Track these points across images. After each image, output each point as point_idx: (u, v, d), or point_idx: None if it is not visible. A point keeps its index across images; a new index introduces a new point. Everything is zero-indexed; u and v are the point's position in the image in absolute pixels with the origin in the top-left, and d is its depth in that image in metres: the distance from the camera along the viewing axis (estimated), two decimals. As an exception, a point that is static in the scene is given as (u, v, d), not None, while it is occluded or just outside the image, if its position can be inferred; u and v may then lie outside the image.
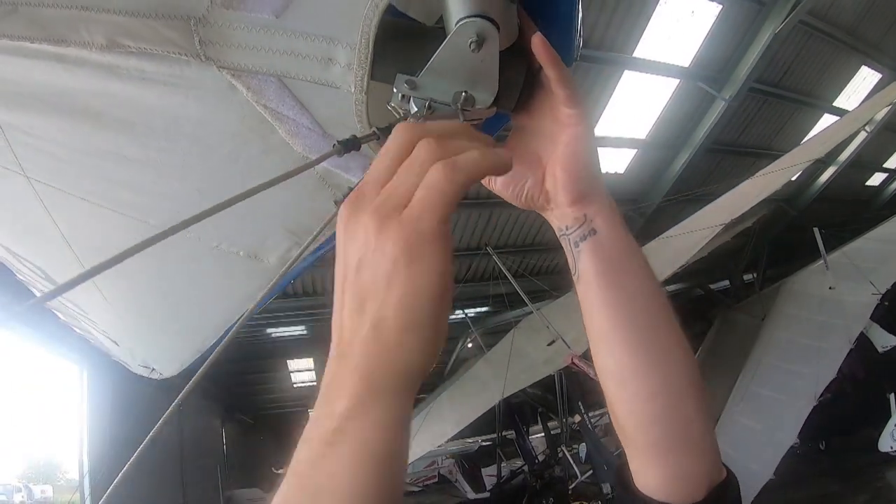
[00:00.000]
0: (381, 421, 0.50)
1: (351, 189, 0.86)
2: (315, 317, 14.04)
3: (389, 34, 0.80)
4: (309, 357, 19.31)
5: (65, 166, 1.32)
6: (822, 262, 9.06)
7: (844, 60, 11.67)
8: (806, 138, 12.94)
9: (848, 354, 7.70)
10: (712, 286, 15.83)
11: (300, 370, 20.89)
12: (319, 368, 20.17)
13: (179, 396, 1.28)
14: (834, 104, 12.73)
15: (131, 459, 1.26)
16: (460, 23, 0.73)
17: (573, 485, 9.08)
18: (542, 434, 12.10)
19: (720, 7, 9.11)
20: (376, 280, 0.53)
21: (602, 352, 0.78)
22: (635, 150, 11.60)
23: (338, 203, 0.85)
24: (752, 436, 7.16)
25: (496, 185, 0.86)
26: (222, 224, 1.38)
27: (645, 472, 0.78)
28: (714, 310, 14.79)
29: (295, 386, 22.12)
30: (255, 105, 0.94)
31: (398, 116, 0.79)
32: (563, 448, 9.99)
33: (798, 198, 14.43)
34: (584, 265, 0.78)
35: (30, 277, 2.10)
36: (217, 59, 0.86)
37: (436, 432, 9.68)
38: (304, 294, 12.71)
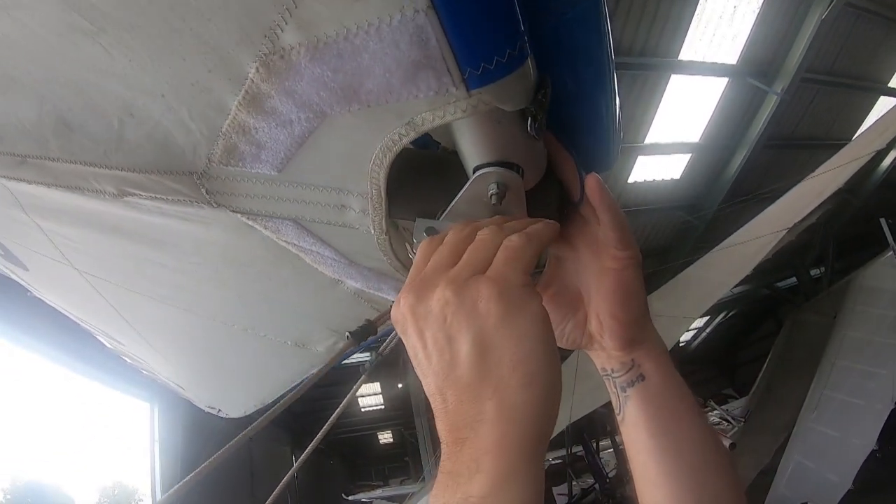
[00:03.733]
0: (522, 499, 0.48)
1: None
2: (379, 343, 14.11)
3: (405, 166, 0.72)
4: (375, 382, 19.49)
5: (106, 265, 1.38)
6: (891, 253, 8.65)
7: (896, 38, 11.19)
8: (864, 123, 12.46)
9: (925, 348, 7.31)
10: (779, 284, 15.35)
11: (367, 395, 21.13)
12: (386, 393, 20.37)
13: (237, 438, 1.33)
14: (890, 85, 12.18)
15: (190, 475, 1.26)
16: (479, 172, 0.67)
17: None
18: (612, 449, 11.86)
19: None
20: (479, 344, 0.51)
21: (648, 495, 0.75)
22: (690, 155, 11.37)
23: (350, 337, 0.84)
24: (829, 444, 6.86)
25: None
26: (266, 321, 1.43)
27: None
28: (782, 308, 14.27)
29: (363, 410, 22.42)
30: (276, 240, 0.94)
31: None
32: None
33: (860, 187, 13.88)
34: (632, 411, 0.75)
35: (92, 329, 2.23)
36: (228, 205, 0.86)
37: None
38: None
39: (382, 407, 22.49)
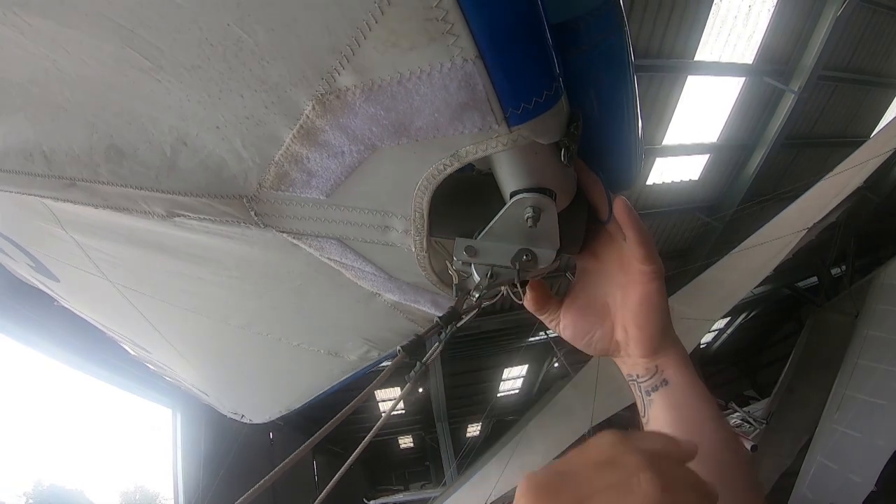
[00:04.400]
0: None
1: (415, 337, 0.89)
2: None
3: (443, 189, 0.75)
4: (396, 387, 19.53)
5: (143, 279, 1.43)
6: (913, 250, 8.56)
7: (912, 32, 11.06)
8: (882, 119, 12.33)
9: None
10: (799, 284, 15.20)
11: (388, 399, 21.06)
12: (407, 397, 20.35)
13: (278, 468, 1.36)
14: (908, 79, 12.07)
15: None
16: (515, 197, 0.73)
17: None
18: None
19: (777, -2, 8.83)
20: None
21: None
22: (708, 155, 11.29)
23: (400, 352, 0.88)
24: (852, 445, 6.76)
25: (566, 333, 0.88)
26: (301, 331, 1.48)
27: None
28: (803, 308, 14.12)
29: (383, 415, 22.30)
30: (319, 257, 0.99)
31: (462, 277, 0.81)
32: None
33: (880, 184, 13.72)
34: (656, 414, 0.79)
35: (118, 337, 2.28)
36: (275, 226, 0.91)
37: (526, 464, 9.30)
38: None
39: (403, 411, 22.46)
